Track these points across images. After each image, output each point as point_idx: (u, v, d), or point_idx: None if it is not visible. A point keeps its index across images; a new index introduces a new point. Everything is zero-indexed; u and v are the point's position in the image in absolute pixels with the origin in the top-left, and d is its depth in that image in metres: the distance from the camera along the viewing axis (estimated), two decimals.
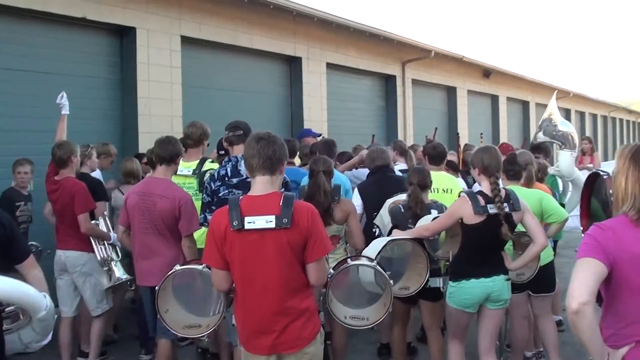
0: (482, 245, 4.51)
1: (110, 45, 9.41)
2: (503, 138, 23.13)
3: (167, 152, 5.01)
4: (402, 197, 5.69)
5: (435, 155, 6.63)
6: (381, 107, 16.51)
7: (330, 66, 13.89)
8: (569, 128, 8.43)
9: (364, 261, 4.31)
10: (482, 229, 4.44)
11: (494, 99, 23.31)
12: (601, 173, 4.04)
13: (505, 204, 4.48)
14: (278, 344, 3.35)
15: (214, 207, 4.54)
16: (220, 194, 4.61)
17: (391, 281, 4.13)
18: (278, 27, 12.13)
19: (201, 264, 3.90)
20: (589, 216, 4.30)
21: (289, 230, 3.25)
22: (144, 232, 4.93)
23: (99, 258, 5.91)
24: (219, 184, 4.70)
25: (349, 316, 4.15)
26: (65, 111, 6.73)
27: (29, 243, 6.00)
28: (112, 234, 6.01)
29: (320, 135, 8.91)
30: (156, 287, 3.97)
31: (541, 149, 8.20)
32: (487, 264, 4.53)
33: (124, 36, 9.47)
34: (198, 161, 5.83)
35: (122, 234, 5.14)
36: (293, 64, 13.04)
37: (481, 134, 13.80)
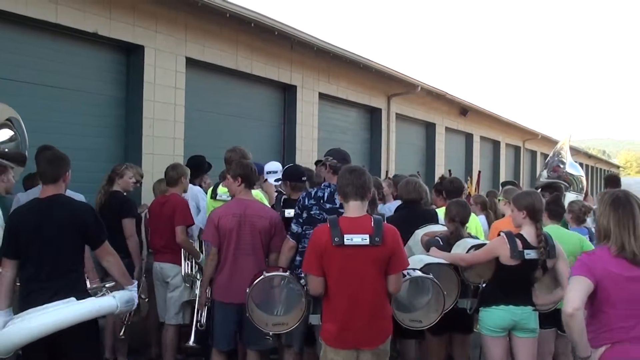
0: (514, 281, 4.81)
1: (117, 62, 9.35)
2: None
3: (252, 176, 5.54)
4: (433, 228, 5.89)
5: (452, 190, 6.78)
6: (366, 140, 16.73)
7: (321, 96, 14.05)
8: (578, 171, 8.65)
9: (418, 273, 4.73)
10: (517, 271, 4.77)
11: (469, 137, 23.82)
12: None
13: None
14: (361, 340, 4.01)
15: (301, 220, 5.14)
16: (312, 212, 5.11)
17: (444, 292, 4.69)
18: (276, 54, 12.25)
19: (285, 271, 4.67)
20: None
21: (380, 247, 3.95)
22: (240, 252, 5.31)
23: (182, 273, 6.27)
24: (314, 202, 5.13)
25: (408, 319, 4.74)
26: None
27: None
28: (202, 256, 6.32)
29: None
30: (247, 290, 4.51)
31: (550, 188, 8.37)
32: (517, 295, 4.82)
33: (131, 54, 9.42)
34: None
35: (215, 255, 5.37)
36: (288, 92, 13.14)
37: (479, 171, 14.16)
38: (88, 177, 7.85)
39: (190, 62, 10.25)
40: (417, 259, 5.11)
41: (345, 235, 3.92)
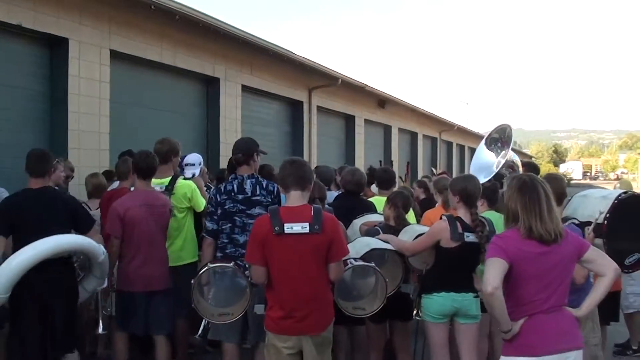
0: (454, 266, 5.00)
1: (40, 55, 9.37)
2: (395, 167, 24.46)
3: (140, 163, 5.69)
4: (371, 217, 6.11)
5: (385, 180, 7.13)
6: (288, 133, 17.15)
7: (244, 88, 14.35)
8: (515, 158, 9.27)
9: (360, 262, 4.90)
10: (456, 253, 4.96)
11: (387, 128, 24.59)
12: None
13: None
14: (304, 327, 4.17)
15: (215, 217, 5.29)
16: (226, 207, 5.26)
17: (386, 279, 4.89)
18: (199, 46, 12.48)
19: (230, 262, 4.92)
20: None
21: (319, 235, 4.12)
22: (150, 241, 5.56)
23: None
24: (225, 197, 5.29)
25: (351, 307, 4.94)
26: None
27: None
28: None
29: None
30: (192, 281, 4.77)
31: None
32: (458, 282, 5.00)
33: (55, 47, 9.46)
34: (170, 178, 6.22)
35: (117, 247, 5.53)
36: (211, 85, 13.40)
37: (407, 162, 14.68)
38: (12, 174, 7.86)
39: (115, 55, 10.36)
40: (365, 243, 5.26)
41: (285, 224, 4.07)
